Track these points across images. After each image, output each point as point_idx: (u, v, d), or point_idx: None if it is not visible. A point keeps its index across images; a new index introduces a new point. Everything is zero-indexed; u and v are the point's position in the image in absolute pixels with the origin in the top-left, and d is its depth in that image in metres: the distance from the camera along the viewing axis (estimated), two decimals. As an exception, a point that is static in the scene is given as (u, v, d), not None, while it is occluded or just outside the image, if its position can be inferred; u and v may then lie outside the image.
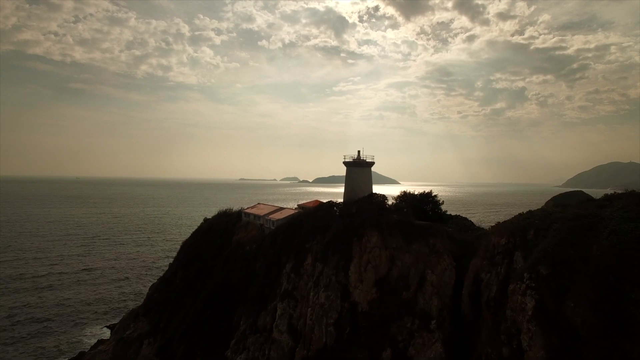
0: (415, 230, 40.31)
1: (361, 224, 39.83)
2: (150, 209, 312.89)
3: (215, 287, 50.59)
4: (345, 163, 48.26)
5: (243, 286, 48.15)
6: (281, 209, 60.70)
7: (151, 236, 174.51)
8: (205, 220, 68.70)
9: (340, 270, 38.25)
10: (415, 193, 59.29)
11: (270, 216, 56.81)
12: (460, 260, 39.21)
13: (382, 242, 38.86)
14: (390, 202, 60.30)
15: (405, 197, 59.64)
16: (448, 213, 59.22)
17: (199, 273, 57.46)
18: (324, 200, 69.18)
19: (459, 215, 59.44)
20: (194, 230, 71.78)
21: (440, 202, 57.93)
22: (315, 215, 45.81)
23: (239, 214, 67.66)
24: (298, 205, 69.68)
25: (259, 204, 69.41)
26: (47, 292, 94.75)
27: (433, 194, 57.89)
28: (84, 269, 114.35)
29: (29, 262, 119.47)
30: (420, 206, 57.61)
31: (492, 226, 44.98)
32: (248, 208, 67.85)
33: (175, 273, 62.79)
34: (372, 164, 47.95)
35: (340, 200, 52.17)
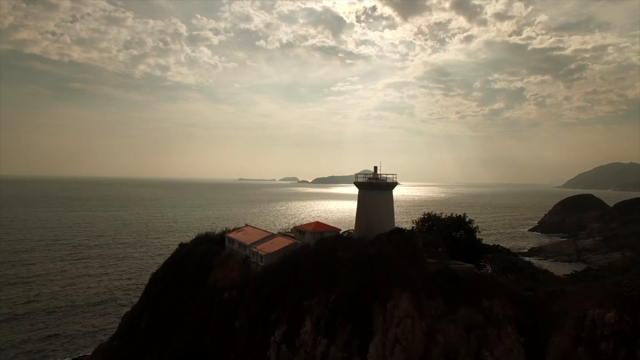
0: (461, 286, 27.69)
1: (384, 280, 27.21)
2: (146, 211, 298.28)
3: (183, 346, 37.96)
4: (357, 184, 35.38)
5: (218, 350, 35.51)
6: (272, 235, 48.01)
7: (144, 244, 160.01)
8: (181, 246, 55.84)
9: (355, 351, 25.62)
10: (443, 216, 46.86)
11: (258, 247, 44.16)
12: (529, 333, 26.76)
13: (416, 307, 26.24)
14: (409, 227, 47.78)
15: (430, 220, 47.28)
16: (483, 242, 46.90)
17: (167, 320, 44.84)
18: (326, 222, 56.60)
19: (498, 245, 46.89)
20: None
21: (476, 228, 45.45)
22: (316, 254, 33.16)
23: (222, 237, 55.02)
24: (294, 228, 57.08)
25: (246, 225, 56.72)
26: (14, 322, 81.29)
27: (467, 219, 45.33)
28: (61, 290, 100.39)
29: (3, 280, 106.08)
30: (449, 232, 45.33)
31: (567, 274, 32.71)
32: (233, 231, 55.15)
33: (140, 316, 50.09)
34: (394, 185, 35.13)
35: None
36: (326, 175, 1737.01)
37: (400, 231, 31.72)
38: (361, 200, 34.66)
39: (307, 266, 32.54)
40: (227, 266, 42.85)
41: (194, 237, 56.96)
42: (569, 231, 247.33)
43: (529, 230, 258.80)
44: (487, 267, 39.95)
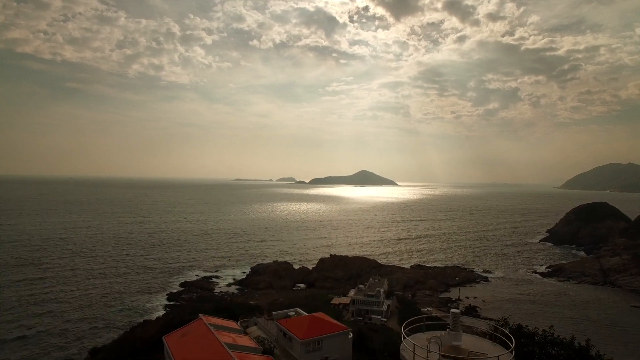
0: None
1: None
2: (132, 219, 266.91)
3: None
4: None
5: None
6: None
7: (116, 271, 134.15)
8: (92, 354, 34.83)
9: None
10: (539, 331, 26.13)
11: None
12: None
13: None
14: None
15: (520, 336, 26.50)
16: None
17: None
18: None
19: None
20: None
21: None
22: None
23: (159, 342, 34.09)
24: (277, 324, 36.09)
25: (199, 319, 35.47)
26: None
27: (592, 350, 24.56)
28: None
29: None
30: (530, 349, 24.71)
31: None
32: (177, 332, 34.10)
33: None
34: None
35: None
36: (323, 176, 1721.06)
37: None
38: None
39: None
40: None
41: (117, 336, 35.91)
42: (584, 243, 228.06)
43: (539, 241, 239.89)
44: None
